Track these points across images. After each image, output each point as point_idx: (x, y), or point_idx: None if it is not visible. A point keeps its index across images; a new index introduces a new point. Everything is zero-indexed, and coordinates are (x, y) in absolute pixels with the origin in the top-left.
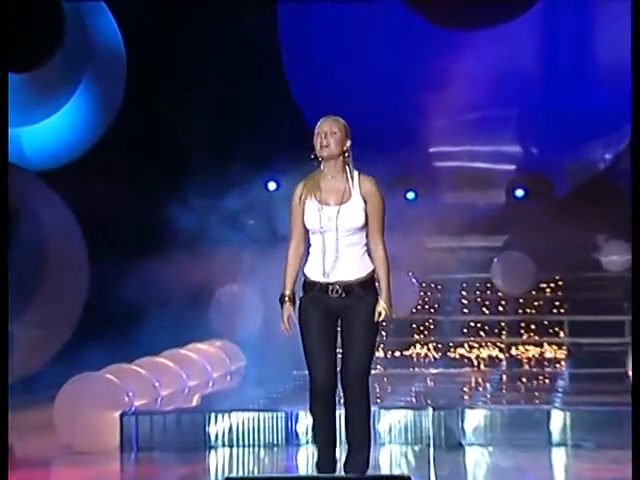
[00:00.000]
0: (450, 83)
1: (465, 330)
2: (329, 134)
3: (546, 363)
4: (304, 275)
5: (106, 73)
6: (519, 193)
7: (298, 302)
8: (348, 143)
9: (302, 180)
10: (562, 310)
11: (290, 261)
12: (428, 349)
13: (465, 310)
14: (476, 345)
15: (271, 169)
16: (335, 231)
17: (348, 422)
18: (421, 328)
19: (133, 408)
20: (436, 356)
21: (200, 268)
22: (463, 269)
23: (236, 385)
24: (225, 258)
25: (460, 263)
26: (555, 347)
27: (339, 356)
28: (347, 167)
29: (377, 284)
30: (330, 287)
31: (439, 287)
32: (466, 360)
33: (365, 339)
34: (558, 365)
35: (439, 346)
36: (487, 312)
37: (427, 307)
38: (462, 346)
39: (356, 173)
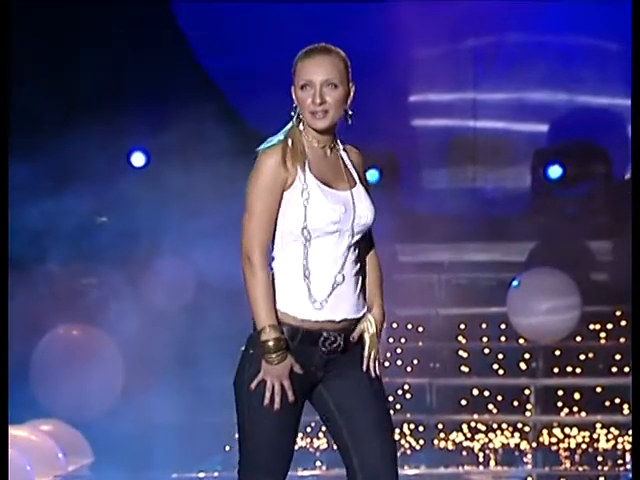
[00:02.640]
0: None
1: (464, 402)
2: (325, 88)
3: (601, 458)
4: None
5: None
6: (554, 172)
7: (246, 361)
8: (352, 92)
9: (272, 142)
10: (626, 369)
11: (263, 286)
12: (402, 434)
13: (464, 368)
14: (483, 427)
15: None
16: (349, 233)
17: None
18: (390, 399)
19: None
20: (415, 446)
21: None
22: (460, 300)
23: None
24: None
25: (455, 290)
26: (616, 431)
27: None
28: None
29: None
30: (324, 334)
31: (420, 329)
32: (465, 453)
33: (382, 412)
34: (621, 461)
35: (420, 429)
36: (501, 372)
37: (400, 363)
38: (459, 429)
39: (338, 141)
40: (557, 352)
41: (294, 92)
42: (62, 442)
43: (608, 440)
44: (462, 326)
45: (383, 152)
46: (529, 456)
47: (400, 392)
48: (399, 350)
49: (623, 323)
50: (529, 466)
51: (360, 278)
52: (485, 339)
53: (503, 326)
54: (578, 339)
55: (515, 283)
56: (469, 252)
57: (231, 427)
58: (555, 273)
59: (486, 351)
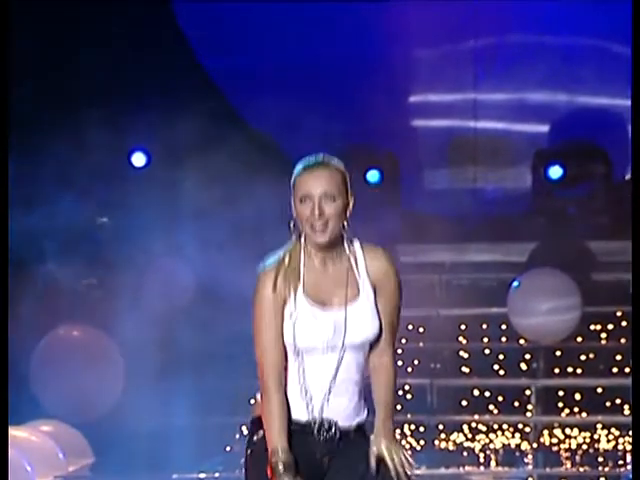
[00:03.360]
0: None
1: (465, 402)
2: (324, 201)
3: (602, 458)
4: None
5: None
6: (554, 172)
7: (249, 461)
8: (351, 203)
9: (270, 262)
10: (627, 369)
11: (278, 408)
12: (402, 435)
13: (465, 369)
14: (483, 428)
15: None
16: (339, 350)
17: None
18: None
19: None
20: (416, 446)
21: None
22: (461, 300)
23: None
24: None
25: (456, 290)
26: (616, 431)
27: None
28: (344, 238)
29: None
30: (318, 426)
31: (421, 330)
32: (466, 454)
33: None
34: (622, 462)
35: (420, 430)
36: (502, 372)
37: (401, 364)
38: (460, 429)
39: (357, 244)
40: (558, 352)
41: (293, 206)
42: (62, 443)
43: (609, 441)
44: (463, 327)
45: (384, 152)
46: (530, 457)
47: (401, 392)
48: (400, 350)
49: (624, 323)
50: (530, 467)
51: (357, 390)
52: (486, 340)
53: (504, 327)
54: (579, 339)
55: (516, 283)
56: (470, 253)
57: (232, 428)
58: (556, 273)
59: (487, 352)
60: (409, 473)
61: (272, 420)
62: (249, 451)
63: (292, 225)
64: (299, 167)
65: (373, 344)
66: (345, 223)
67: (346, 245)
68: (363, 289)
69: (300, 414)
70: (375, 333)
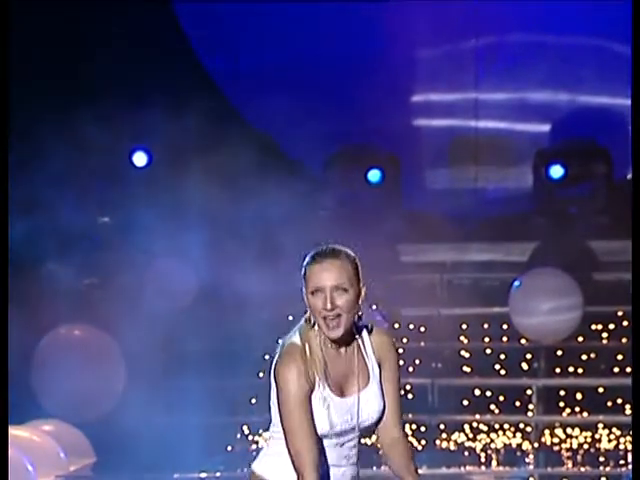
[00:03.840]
0: None
1: (466, 402)
2: (336, 293)
3: (603, 458)
4: None
5: None
6: (555, 172)
7: None
8: (363, 292)
9: (290, 354)
10: (628, 369)
11: None
12: (403, 435)
13: (466, 368)
14: (485, 428)
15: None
16: (353, 434)
17: None
18: None
19: None
20: (417, 446)
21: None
22: (463, 300)
23: None
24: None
25: (457, 290)
26: (617, 431)
27: None
28: (355, 325)
29: None
30: None
31: (422, 330)
32: (467, 453)
33: None
34: (623, 461)
35: (422, 429)
36: (503, 372)
37: (402, 363)
38: (461, 429)
39: (363, 328)
40: (559, 352)
41: (305, 297)
42: (64, 442)
43: (610, 440)
44: (464, 326)
45: (385, 152)
46: (531, 456)
47: (402, 392)
48: (401, 350)
49: (625, 323)
50: (531, 466)
51: (356, 469)
52: (487, 339)
53: (505, 326)
54: (580, 339)
55: (517, 283)
56: (471, 252)
57: (233, 427)
58: (557, 273)
59: (488, 351)
60: None
61: None
62: None
63: (307, 316)
64: (309, 257)
65: (379, 423)
66: (358, 313)
67: (355, 329)
68: (372, 372)
69: None
70: (381, 413)
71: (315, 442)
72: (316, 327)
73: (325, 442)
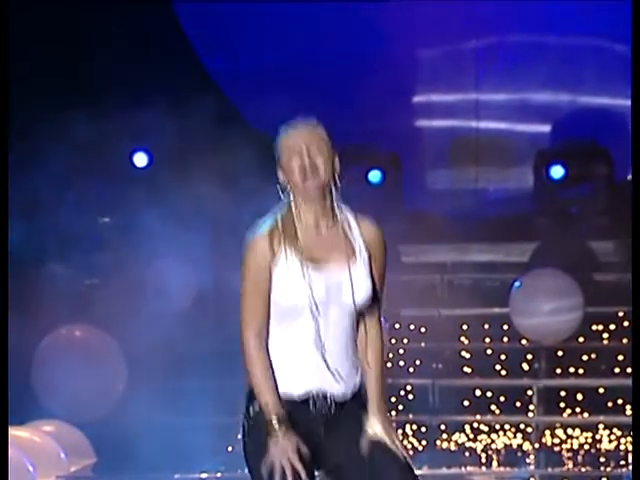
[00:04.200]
0: None
1: (467, 402)
2: (313, 151)
3: (604, 459)
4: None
5: None
6: (556, 172)
7: (247, 433)
8: (337, 161)
9: (263, 227)
10: (628, 369)
11: (261, 364)
12: (404, 435)
13: (467, 369)
14: (485, 428)
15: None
16: (337, 310)
17: None
18: (392, 400)
19: None
20: (417, 446)
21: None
22: (463, 300)
23: None
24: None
25: (457, 291)
26: (618, 431)
27: None
28: (336, 203)
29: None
30: (311, 401)
31: (422, 330)
32: (468, 454)
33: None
34: (624, 462)
35: (422, 430)
36: (504, 373)
37: (402, 364)
38: (462, 430)
39: (348, 211)
40: (560, 353)
41: (280, 169)
42: (64, 443)
43: (611, 441)
44: (464, 327)
45: (386, 153)
46: (532, 457)
47: (402, 393)
48: (401, 351)
49: (625, 324)
50: (532, 467)
51: (348, 355)
52: (487, 340)
53: (506, 327)
54: (581, 340)
55: (517, 284)
56: (472, 253)
57: (233, 428)
58: (557, 274)
59: (488, 352)
60: (409, 460)
61: (259, 377)
62: (247, 423)
63: (281, 190)
64: (281, 130)
65: (363, 313)
66: (336, 181)
67: (337, 210)
68: (360, 253)
69: (290, 386)
70: (370, 296)
71: (266, 321)
72: (292, 205)
73: (304, 324)
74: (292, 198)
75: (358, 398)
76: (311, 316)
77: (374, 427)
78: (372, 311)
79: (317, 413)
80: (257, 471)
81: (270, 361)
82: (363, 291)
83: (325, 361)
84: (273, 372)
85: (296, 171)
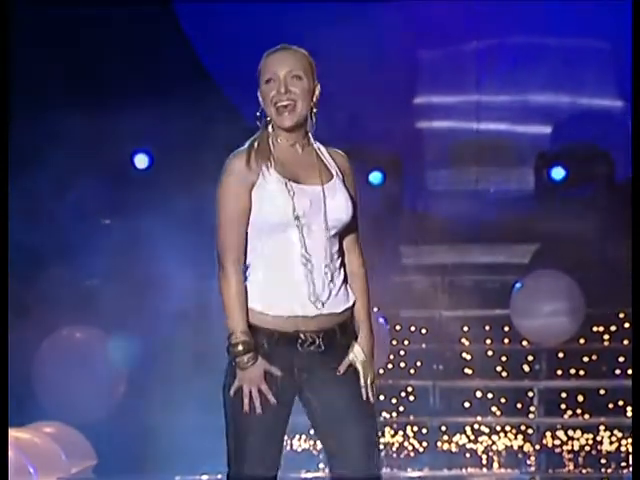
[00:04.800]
0: None
1: (468, 404)
2: (290, 81)
3: (604, 460)
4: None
5: None
6: (557, 174)
7: (229, 368)
8: (317, 91)
9: (235, 151)
10: (629, 371)
11: (235, 291)
12: (405, 436)
13: (468, 370)
14: (486, 430)
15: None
16: (322, 225)
17: None
18: (393, 401)
19: None
20: (418, 448)
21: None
22: (464, 302)
23: None
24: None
25: (458, 292)
26: (619, 433)
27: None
28: (310, 130)
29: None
30: (301, 336)
31: (423, 331)
32: (469, 455)
33: (366, 415)
34: (624, 463)
35: (423, 431)
36: (505, 374)
37: (403, 365)
38: (462, 431)
39: (318, 144)
40: (560, 354)
41: (259, 92)
42: (65, 444)
43: (612, 442)
44: (465, 328)
45: (387, 154)
46: (532, 458)
47: (403, 394)
48: (402, 352)
49: (626, 325)
50: (532, 468)
51: (341, 273)
52: (488, 341)
53: (506, 328)
54: (581, 341)
55: (518, 285)
56: (472, 254)
57: None
58: (558, 275)
59: (489, 353)
60: (372, 398)
61: (231, 302)
62: (230, 379)
63: (259, 114)
64: (265, 53)
65: (343, 237)
66: (312, 111)
67: (310, 138)
68: (336, 174)
69: (282, 309)
70: (351, 214)
71: (243, 242)
72: (269, 128)
73: (287, 242)
74: (269, 124)
75: (348, 333)
76: (297, 230)
77: (356, 355)
78: (352, 238)
79: (305, 345)
80: (229, 400)
81: (245, 290)
82: (345, 207)
83: (312, 275)
84: (246, 301)
85: (271, 99)
